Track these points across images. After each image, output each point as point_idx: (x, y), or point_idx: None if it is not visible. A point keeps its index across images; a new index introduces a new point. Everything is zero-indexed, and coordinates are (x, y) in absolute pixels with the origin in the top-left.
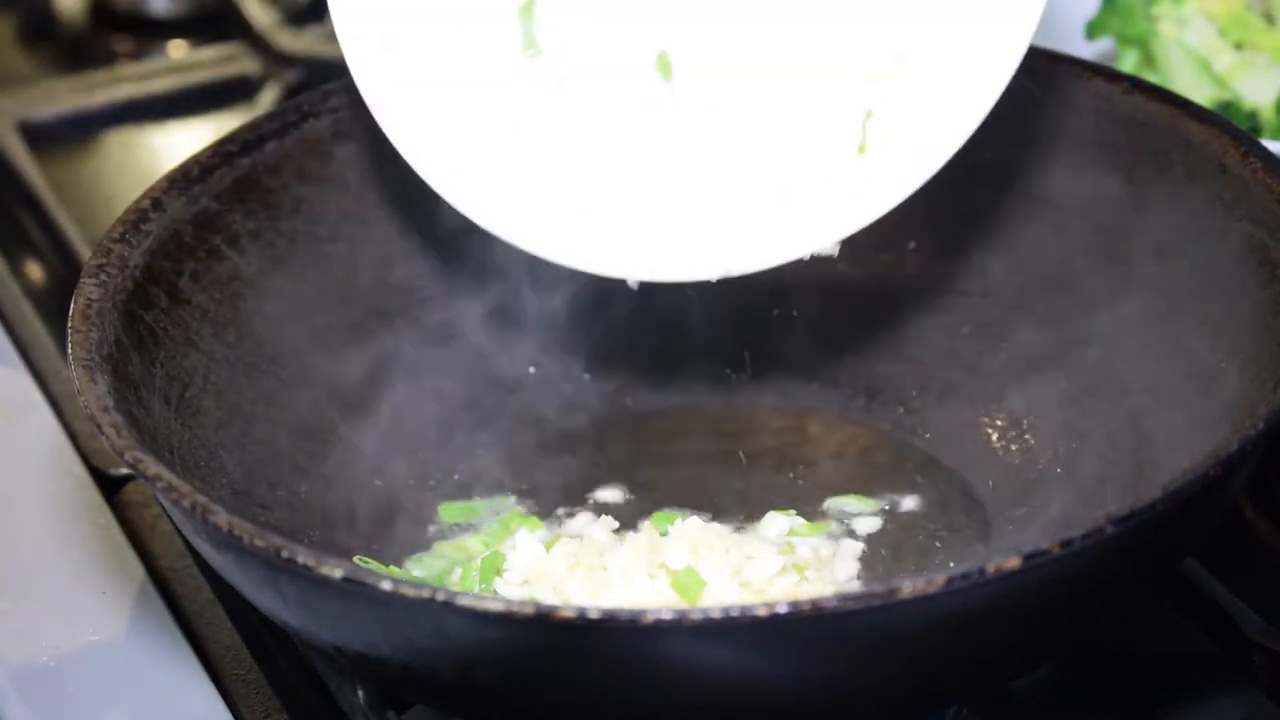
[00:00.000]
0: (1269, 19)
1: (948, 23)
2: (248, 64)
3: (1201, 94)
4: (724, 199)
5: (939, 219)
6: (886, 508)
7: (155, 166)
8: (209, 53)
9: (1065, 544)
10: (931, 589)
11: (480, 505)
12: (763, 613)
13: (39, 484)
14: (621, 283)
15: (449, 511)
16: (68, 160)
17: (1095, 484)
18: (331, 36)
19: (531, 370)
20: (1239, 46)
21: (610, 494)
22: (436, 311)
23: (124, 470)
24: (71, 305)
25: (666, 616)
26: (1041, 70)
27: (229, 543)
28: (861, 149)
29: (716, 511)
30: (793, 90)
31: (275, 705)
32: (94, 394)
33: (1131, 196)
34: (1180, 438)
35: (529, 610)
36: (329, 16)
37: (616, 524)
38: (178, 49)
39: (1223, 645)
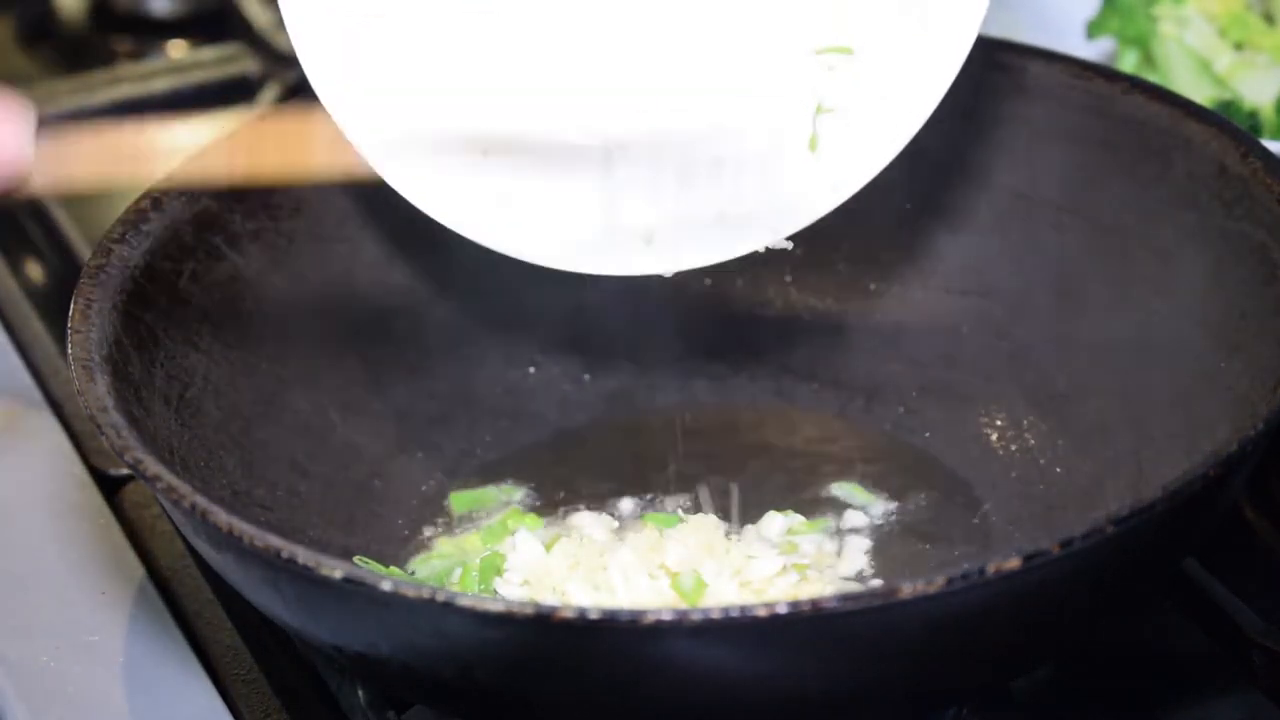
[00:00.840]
0: (1269, 19)
1: (895, 14)
2: (248, 64)
3: (1201, 94)
4: (675, 191)
5: (939, 218)
6: (888, 504)
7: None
8: (209, 53)
9: (1065, 544)
10: (931, 589)
11: (491, 494)
12: (763, 613)
13: (39, 484)
14: (621, 283)
15: (459, 500)
16: None
17: (1095, 484)
18: None
19: (531, 370)
20: (1239, 46)
21: (610, 494)
22: (436, 311)
23: (124, 470)
24: (71, 305)
25: (666, 617)
26: (1041, 70)
27: (229, 543)
28: (813, 143)
29: (716, 511)
30: (742, 80)
31: (275, 705)
32: (94, 394)
33: (1131, 196)
34: (1180, 438)
35: (529, 611)
36: None
37: (616, 524)
38: (178, 49)
39: (1223, 645)
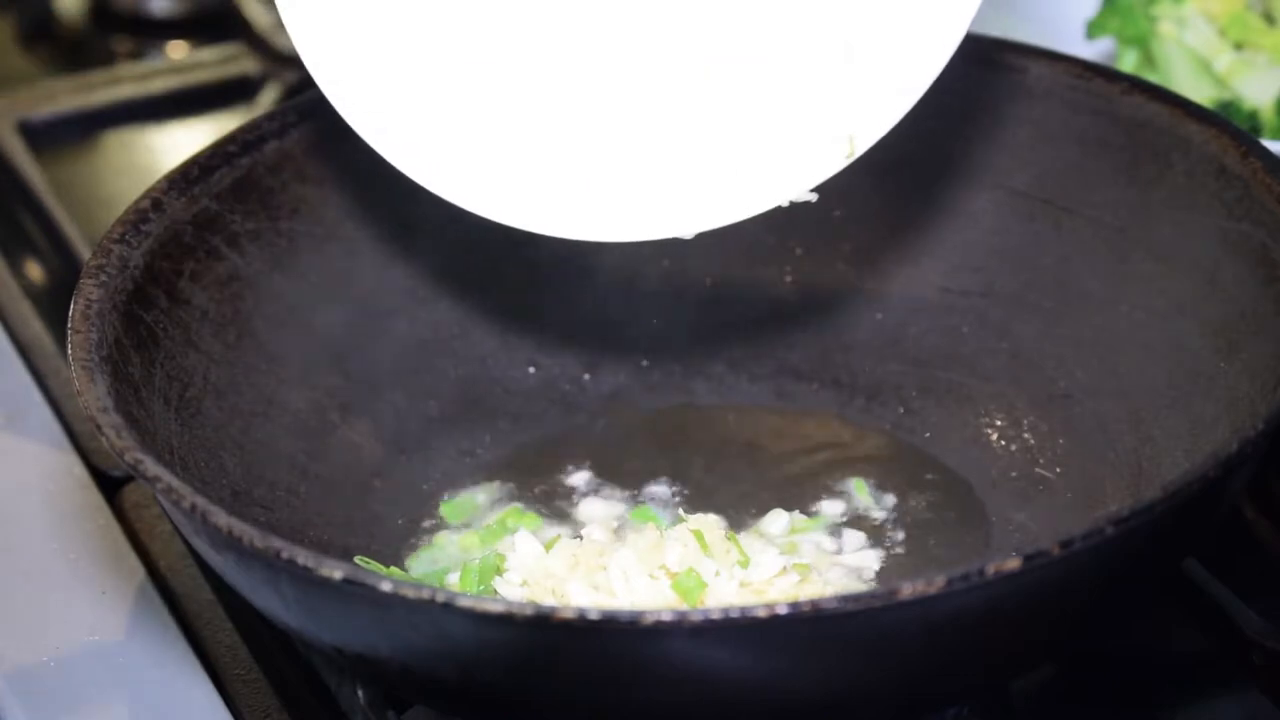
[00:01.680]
0: (1269, 19)
1: None
2: (248, 64)
3: (1201, 94)
4: (694, 151)
5: (939, 218)
6: (888, 503)
7: (155, 166)
8: (209, 53)
9: (1065, 544)
10: (931, 590)
11: (481, 503)
12: (763, 614)
13: (39, 484)
14: (621, 283)
15: (450, 510)
16: (68, 160)
17: (1095, 484)
18: None
19: (531, 370)
20: (1239, 46)
21: (610, 494)
22: (436, 311)
23: (124, 470)
24: (71, 305)
25: (666, 618)
26: (1042, 70)
27: (229, 544)
28: (834, 88)
29: (717, 511)
30: (763, 33)
31: (275, 705)
32: (94, 394)
33: (1131, 196)
34: (1180, 438)
35: (529, 611)
36: None
37: (616, 524)
38: (178, 49)
39: (1223, 645)
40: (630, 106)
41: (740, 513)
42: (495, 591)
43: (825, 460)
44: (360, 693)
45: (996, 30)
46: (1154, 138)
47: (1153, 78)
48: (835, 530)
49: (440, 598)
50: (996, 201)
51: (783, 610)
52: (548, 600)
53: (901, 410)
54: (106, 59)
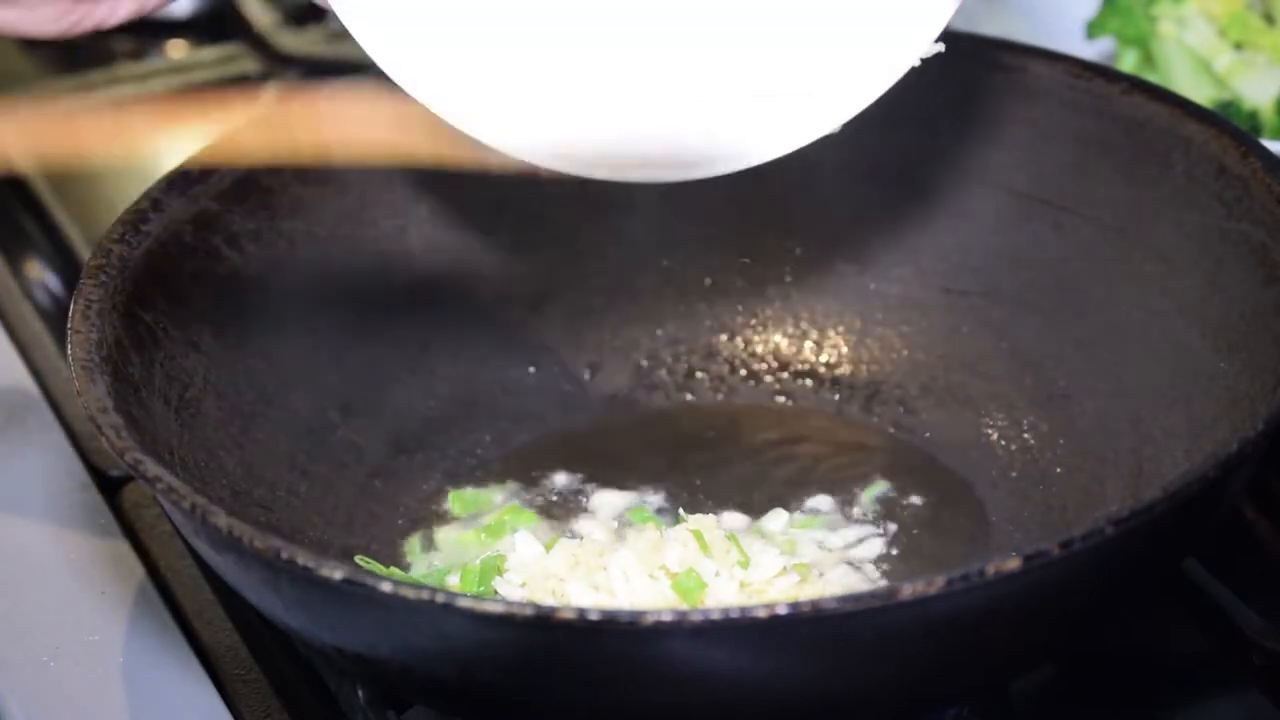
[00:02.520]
0: (1269, 19)
1: None
2: (248, 64)
3: (1201, 94)
4: (721, 89)
5: (939, 218)
6: (889, 504)
7: (155, 166)
8: (209, 53)
9: (1065, 544)
10: (931, 590)
11: (483, 500)
12: (762, 614)
13: (39, 484)
14: (622, 282)
15: (458, 502)
16: None
17: (1095, 484)
18: (332, 36)
19: (531, 370)
20: (1239, 46)
21: (610, 494)
22: (436, 311)
23: (124, 470)
24: (71, 305)
25: (666, 618)
26: (1042, 70)
27: (229, 544)
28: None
29: (716, 511)
30: None
31: (275, 705)
32: (94, 395)
33: (1131, 196)
34: (1180, 438)
35: (528, 612)
36: (329, 17)
37: (616, 524)
38: (178, 49)
39: (1223, 645)
40: (659, 40)
41: (741, 512)
42: (495, 592)
43: (825, 460)
44: (360, 693)
45: (996, 30)
46: (1154, 138)
47: (1153, 78)
48: (835, 530)
49: (440, 598)
50: (996, 201)
51: (783, 610)
52: (548, 600)
53: (901, 410)
54: (106, 59)
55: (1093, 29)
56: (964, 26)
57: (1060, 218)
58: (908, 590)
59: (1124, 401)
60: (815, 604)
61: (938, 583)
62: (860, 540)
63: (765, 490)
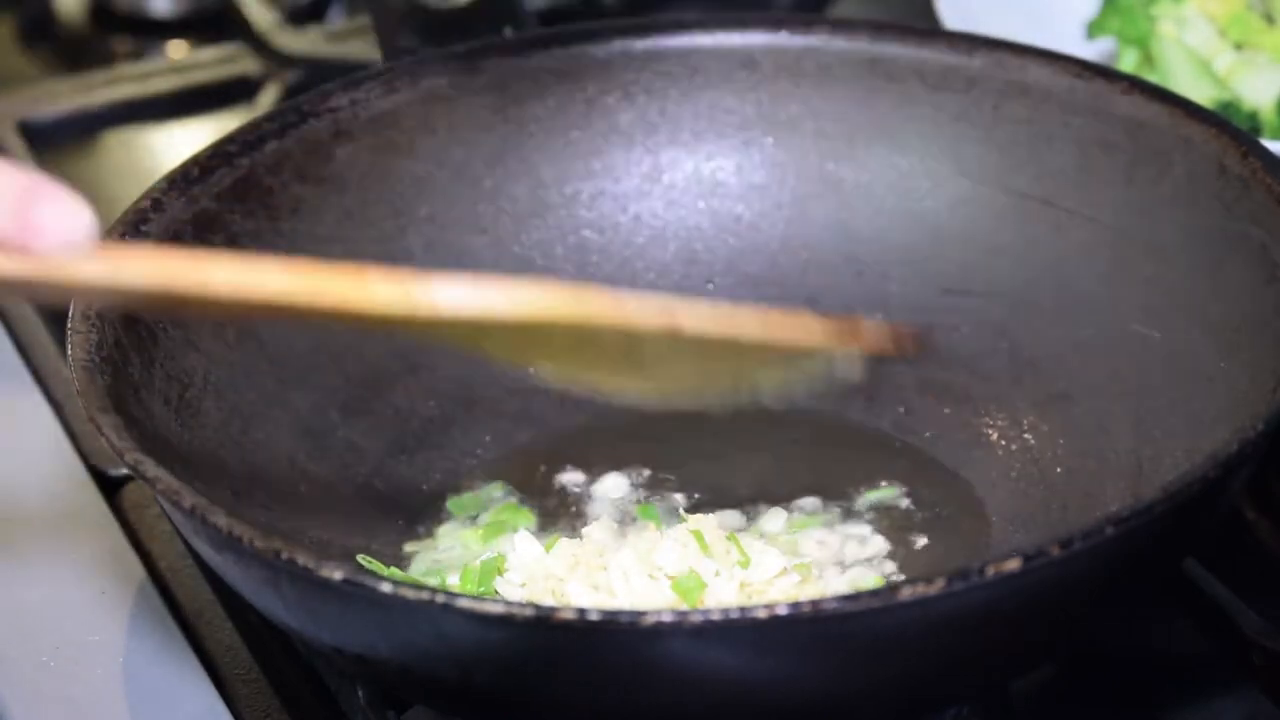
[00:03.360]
0: (1269, 19)
1: None
2: (248, 64)
3: (1201, 94)
4: None
5: (939, 218)
6: (888, 504)
7: (155, 166)
8: (209, 53)
9: (1065, 544)
10: (931, 590)
11: (484, 501)
12: (763, 614)
13: (39, 484)
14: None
15: (457, 505)
16: (68, 160)
17: (1095, 484)
18: (332, 36)
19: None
20: (1239, 46)
21: (610, 494)
22: None
23: (124, 470)
24: (71, 305)
25: (666, 618)
26: (1042, 70)
27: (229, 544)
28: None
29: (717, 511)
30: None
31: (275, 705)
32: (94, 395)
33: (1131, 196)
34: (1180, 438)
35: (528, 612)
36: (329, 17)
37: (616, 524)
38: (178, 49)
39: (1223, 645)
40: None
41: (740, 512)
42: (495, 592)
43: (825, 460)
44: (360, 693)
45: (996, 30)
46: (1154, 138)
47: (1153, 78)
48: (835, 530)
49: (440, 598)
50: (996, 201)
51: (783, 610)
52: (548, 600)
53: (901, 410)
54: (106, 59)
55: (1093, 29)
56: (964, 26)
57: (1060, 218)
58: (908, 590)
59: (1124, 401)
60: (815, 604)
61: (938, 583)
62: (860, 540)
63: (765, 490)
